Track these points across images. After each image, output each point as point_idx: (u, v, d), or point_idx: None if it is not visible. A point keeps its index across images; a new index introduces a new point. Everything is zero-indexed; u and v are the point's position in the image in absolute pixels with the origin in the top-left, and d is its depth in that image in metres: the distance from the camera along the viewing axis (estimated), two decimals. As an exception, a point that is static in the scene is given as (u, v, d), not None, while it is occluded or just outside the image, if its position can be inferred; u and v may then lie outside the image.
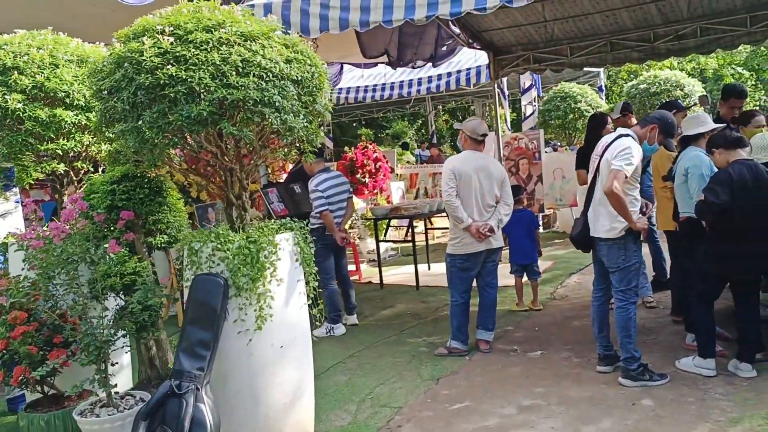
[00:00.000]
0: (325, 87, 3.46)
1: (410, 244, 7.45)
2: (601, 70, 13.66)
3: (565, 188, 9.74)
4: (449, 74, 11.53)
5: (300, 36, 4.91)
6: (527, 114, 10.58)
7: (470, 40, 8.79)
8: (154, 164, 3.37)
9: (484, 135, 5.03)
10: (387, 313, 6.54)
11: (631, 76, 17.09)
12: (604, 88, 13.14)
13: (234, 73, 3.01)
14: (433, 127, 17.08)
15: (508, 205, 4.99)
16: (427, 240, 8.60)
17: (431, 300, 6.89)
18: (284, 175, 8.36)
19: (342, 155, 10.12)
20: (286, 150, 3.71)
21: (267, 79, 3.10)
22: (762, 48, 18.32)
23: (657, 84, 9.11)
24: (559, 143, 10.86)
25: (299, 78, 3.27)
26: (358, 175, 9.58)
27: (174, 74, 2.95)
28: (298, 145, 3.66)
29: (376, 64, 11.75)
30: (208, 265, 3.30)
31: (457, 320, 5.03)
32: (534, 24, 8.35)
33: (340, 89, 12.90)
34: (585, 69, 13.00)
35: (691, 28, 7.73)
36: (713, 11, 7.55)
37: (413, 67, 10.30)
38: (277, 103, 3.10)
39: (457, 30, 8.40)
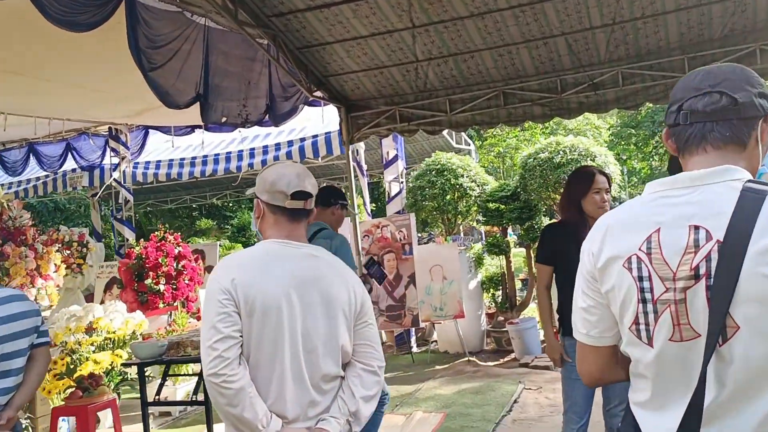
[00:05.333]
0: None
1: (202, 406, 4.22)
2: (472, 148, 11.78)
3: (447, 293, 7.14)
4: (290, 143, 8.78)
5: None
6: (392, 193, 8.04)
7: (314, 88, 6.16)
8: None
9: (305, 196, 2.12)
10: None
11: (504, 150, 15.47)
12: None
13: None
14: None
15: (374, 372, 2.09)
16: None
17: None
18: None
19: (126, 252, 6.86)
20: None
21: None
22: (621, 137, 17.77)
23: (561, 153, 6.99)
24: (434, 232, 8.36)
25: None
26: (149, 281, 6.37)
27: None
28: None
29: (193, 129, 8.81)
30: None
31: None
32: (401, 65, 5.93)
33: (147, 163, 9.70)
34: (456, 145, 11.03)
35: (610, 74, 5.67)
36: (639, 52, 5.54)
37: (245, 127, 7.27)
38: None
39: (297, 72, 5.76)
